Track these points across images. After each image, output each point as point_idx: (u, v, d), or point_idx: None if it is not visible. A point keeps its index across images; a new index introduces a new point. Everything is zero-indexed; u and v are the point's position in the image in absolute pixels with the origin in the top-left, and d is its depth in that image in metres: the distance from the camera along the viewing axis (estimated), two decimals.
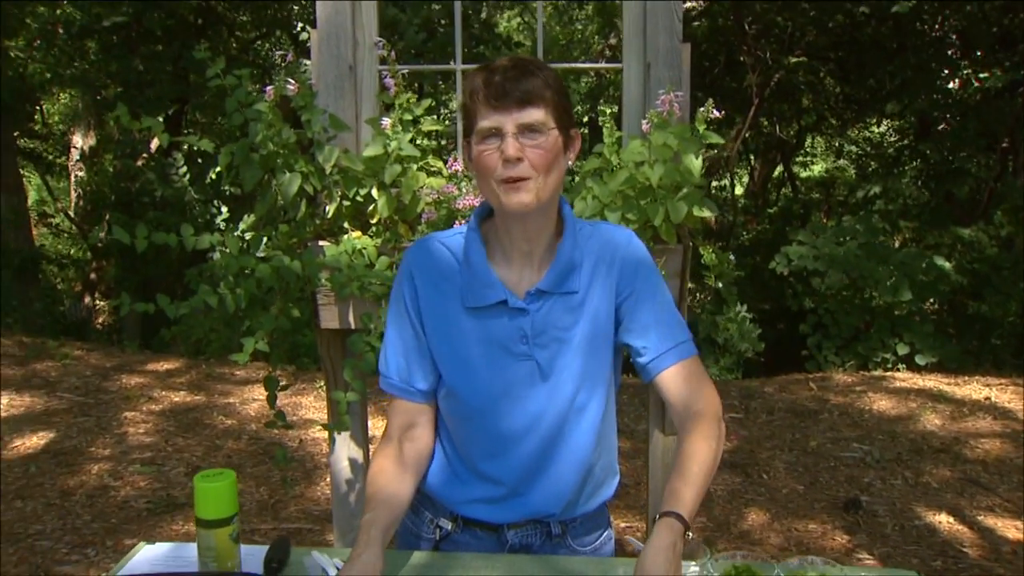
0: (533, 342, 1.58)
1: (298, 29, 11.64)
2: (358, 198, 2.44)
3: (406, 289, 1.63)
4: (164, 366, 6.72)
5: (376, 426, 4.50)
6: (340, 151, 2.41)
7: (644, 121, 2.47)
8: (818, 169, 17.24)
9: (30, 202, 15.68)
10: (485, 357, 1.58)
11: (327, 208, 2.44)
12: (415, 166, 2.46)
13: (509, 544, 1.69)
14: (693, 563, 1.58)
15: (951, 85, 10.24)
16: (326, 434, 2.89)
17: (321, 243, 2.45)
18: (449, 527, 1.69)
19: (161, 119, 11.54)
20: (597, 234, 1.64)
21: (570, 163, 1.59)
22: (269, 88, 2.31)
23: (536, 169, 1.49)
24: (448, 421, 1.66)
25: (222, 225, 10.30)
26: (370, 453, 2.59)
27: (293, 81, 2.31)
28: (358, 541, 1.47)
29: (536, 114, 1.49)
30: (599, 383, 1.64)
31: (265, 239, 2.53)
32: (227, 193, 10.20)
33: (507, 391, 1.59)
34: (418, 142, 2.47)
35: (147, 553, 1.64)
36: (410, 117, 2.47)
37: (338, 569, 1.51)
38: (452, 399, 1.62)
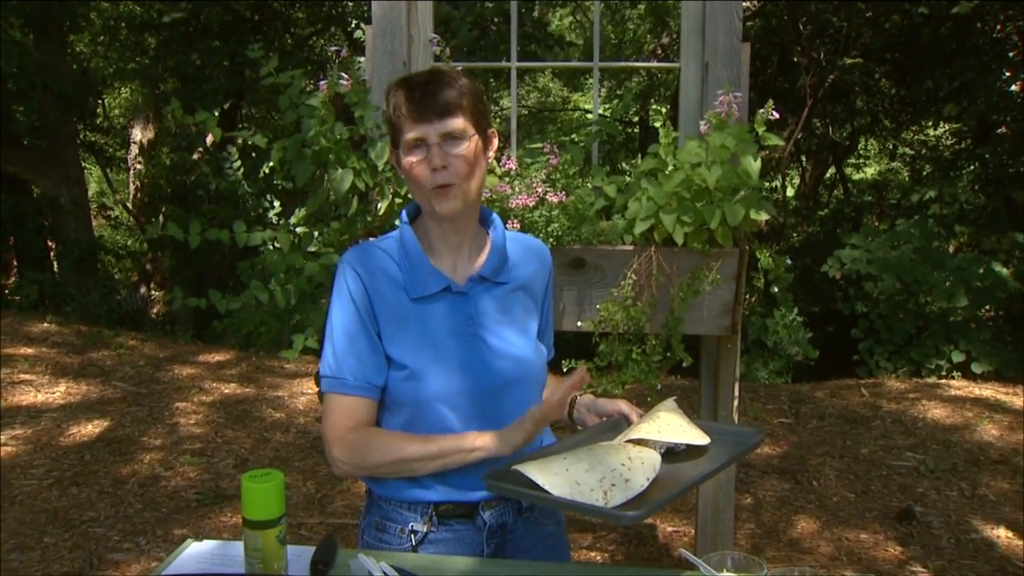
0: (478, 323, 1.71)
1: (353, 26, 11.72)
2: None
3: (353, 288, 1.69)
4: (215, 358, 6.80)
5: None
6: None
7: (702, 122, 2.43)
8: (871, 172, 16.93)
9: (91, 194, 15.99)
10: (440, 340, 1.69)
11: (379, 205, 2.44)
12: None
13: (488, 526, 1.74)
14: None
15: (1012, 87, 9.98)
16: None
17: (372, 240, 2.45)
18: (424, 529, 1.72)
19: (217, 113, 11.72)
20: (521, 239, 1.86)
21: (490, 158, 1.75)
22: (323, 83, 2.32)
23: (460, 175, 1.64)
24: (404, 410, 1.69)
25: (274, 219, 10.41)
26: None
27: (347, 76, 2.31)
28: (467, 438, 1.63)
29: (456, 123, 1.63)
30: (537, 358, 1.79)
31: (317, 235, 2.54)
32: (280, 187, 10.30)
33: (463, 369, 1.68)
34: None
35: (194, 550, 1.65)
36: None
37: (385, 573, 1.51)
38: (415, 382, 1.67)
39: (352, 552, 1.60)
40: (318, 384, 1.85)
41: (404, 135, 1.64)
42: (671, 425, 1.69)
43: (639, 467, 1.54)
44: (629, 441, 1.66)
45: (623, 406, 1.84)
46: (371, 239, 1.81)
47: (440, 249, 1.73)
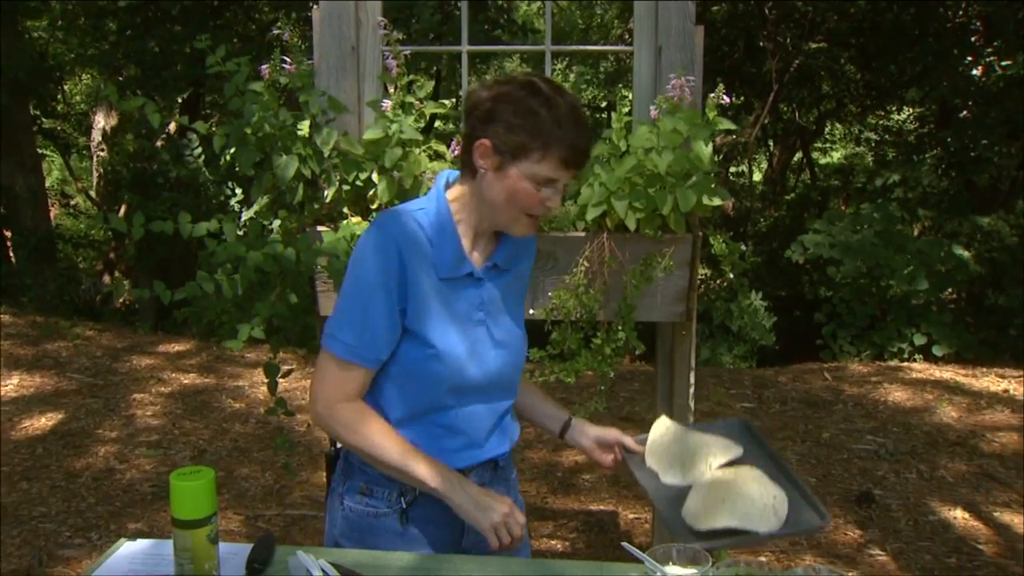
0: (486, 310, 1.75)
1: (313, 11, 11.54)
2: (358, 182, 2.38)
3: (392, 260, 1.64)
4: (175, 347, 6.70)
5: None
6: (339, 134, 2.35)
7: (652, 106, 2.39)
8: (837, 156, 17.03)
9: (52, 182, 15.71)
10: (456, 323, 1.71)
11: (326, 192, 2.39)
12: (417, 150, 2.40)
13: None
14: (695, 569, 1.52)
15: (974, 72, 10.04)
16: None
17: (320, 228, 2.40)
18: (414, 492, 1.74)
19: (180, 100, 11.48)
20: None
21: None
22: (264, 67, 2.25)
23: None
24: (412, 384, 1.71)
25: (236, 206, 10.27)
26: None
27: (289, 60, 2.25)
28: (450, 478, 1.66)
29: None
30: (524, 345, 1.87)
31: (277, 223, 2.48)
32: (244, 176, 10.12)
33: (472, 353, 1.72)
34: (435, 124, 2.41)
35: (127, 550, 1.60)
36: (412, 99, 2.40)
37: (323, 571, 1.47)
38: (437, 363, 1.68)
39: (291, 549, 1.56)
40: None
41: (545, 169, 1.63)
42: (714, 441, 1.92)
43: (764, 480, 1.75)
44: (722, 467, 1.85)
45: (620, 436, 1.95)
46: (404, 205, 1.75)
47: (468, 233, 1.74)
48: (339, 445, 1.81)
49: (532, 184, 1.63)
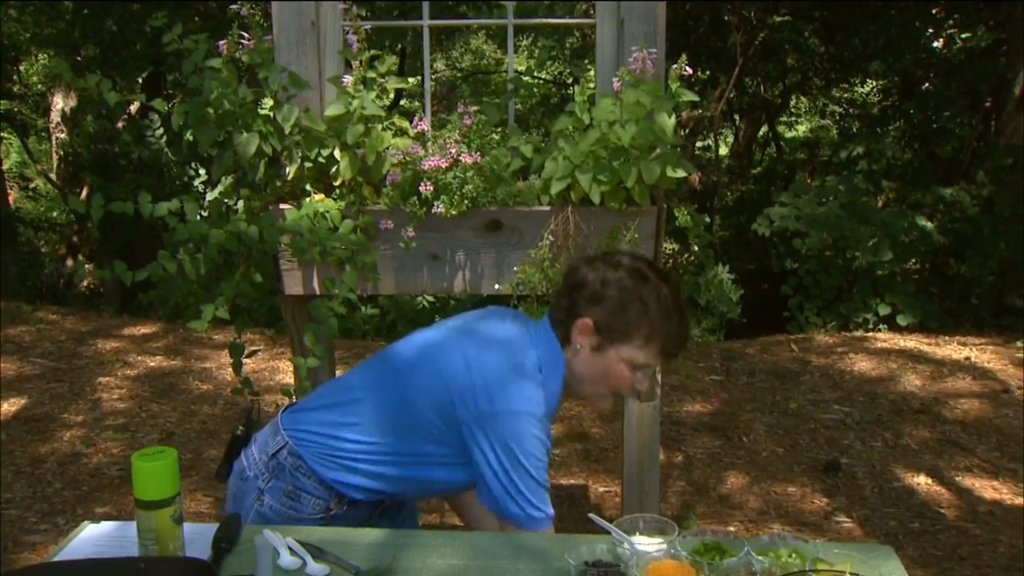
0: None
1: None
2: (320, 159, 2.36)
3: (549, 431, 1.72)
4: (141, 330, 6.62)
5: None
6: (301, 110, 2.33)
7: (615, 79, 2.38)
8: (803, 129, 17.12)
9: (11, 165, 15.43)
10: None
11: (287, 169, 2.36)
12: (379, 126, 2.38)
13: (383, 505, 1.90)
14: (661, 539, 1.53)
15: (935, 44, 10.13)
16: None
17: (283, 206, 2.37)
18: (339, 510, 1.79)
19: (140, 80, 11.26)
20: None
21: None
22: (222, 43, 2.22)
23: None
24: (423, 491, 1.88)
25: (200, 187, 10.14)
26: None
27: (248, 36, 2.22)
28: None
29: None
30: None
31: (240, 203, 2.45)
32: (205, 155, 9.98)
33: None
34: (401, 102, 2.39)
35: (91, 532, 1.58)
36: (374, 75, 2.38)
37: (290, 548, 1.46)
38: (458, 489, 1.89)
39: (257, 529, 1.55)
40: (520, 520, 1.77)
41: (642, 353, 1.69)
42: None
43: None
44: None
45: None
46: (535, 371, 1.74)
47: None
48: (242, 430, 1.88)
49: (628, 367, 1.69)
